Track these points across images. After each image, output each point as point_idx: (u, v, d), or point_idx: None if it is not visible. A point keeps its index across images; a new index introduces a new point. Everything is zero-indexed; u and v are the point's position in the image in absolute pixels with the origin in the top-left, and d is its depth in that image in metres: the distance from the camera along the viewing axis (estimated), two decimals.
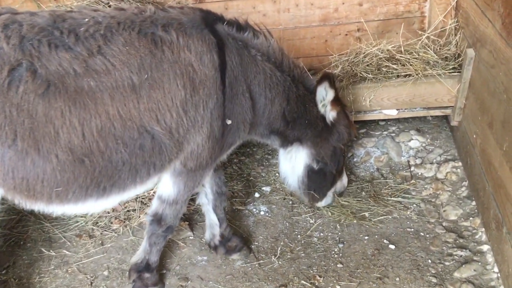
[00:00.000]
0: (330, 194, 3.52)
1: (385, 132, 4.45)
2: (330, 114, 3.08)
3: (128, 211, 3.73)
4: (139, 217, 3.66)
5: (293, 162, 3.24)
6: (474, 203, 3.56)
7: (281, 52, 2.88)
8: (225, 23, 2.65)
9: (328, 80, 2.87)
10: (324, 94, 2.95)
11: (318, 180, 3.31)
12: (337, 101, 3.04)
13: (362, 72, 3.79)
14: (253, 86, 2.73)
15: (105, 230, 3.63)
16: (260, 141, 3.25)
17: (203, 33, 2.51)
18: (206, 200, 3.25)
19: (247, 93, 2.69)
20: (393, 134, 4.41)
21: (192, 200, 3.57)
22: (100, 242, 3.55)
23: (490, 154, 3.08)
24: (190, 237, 3.55)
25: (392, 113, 3.93)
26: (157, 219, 2.91)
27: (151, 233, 2.97)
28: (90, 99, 2.25)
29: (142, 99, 2.35)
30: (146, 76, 2.34)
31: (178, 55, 2.43)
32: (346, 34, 4.33)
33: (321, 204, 3.56)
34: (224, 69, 2.55)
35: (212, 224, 3.29)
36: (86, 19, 2.34)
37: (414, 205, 3.70)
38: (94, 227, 3.64)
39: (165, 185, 2.81)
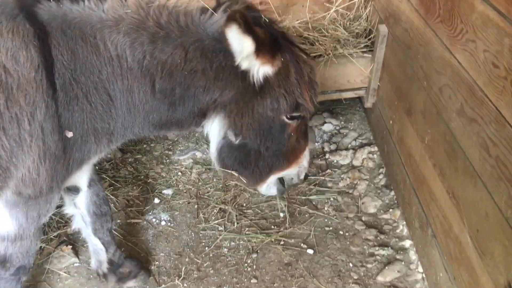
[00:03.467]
0: (272, 181, 2.56)
1: None
2: (261, 71, 2.08)
3: None
4: None
5: (210, 134, 2.39)
6: (393, 193, 3.30)
7: (143, 5, 2.02)
8: None
9: (235, 23, 1.86)
10: (239, 45, 1.97)
11: (239, 158, 2.39)
12: (273, 51, 2.03)
13: None
14: (103, 81, 2.02)
15: None
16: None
17: (16, 21, 1.85)
18: (83, 224, 2.64)
19: (94, 94, 2.01)
20: None
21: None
22: None
23: (410, 145, 2.79)
24: (75, 264, 2.94)
25: None
26: (0, 261, 2.29)
27: None
28: None
29: None
30: None
31: None
32: None
33: (262, 190, 2.63)
34: (51, 68, 1.91)
35: (96, 249, 2.71)
36: None
37: (332, 199, 3.38)
38: None
39: (0, 220, 2.19)
